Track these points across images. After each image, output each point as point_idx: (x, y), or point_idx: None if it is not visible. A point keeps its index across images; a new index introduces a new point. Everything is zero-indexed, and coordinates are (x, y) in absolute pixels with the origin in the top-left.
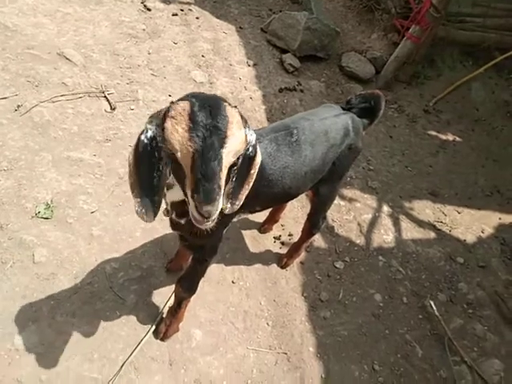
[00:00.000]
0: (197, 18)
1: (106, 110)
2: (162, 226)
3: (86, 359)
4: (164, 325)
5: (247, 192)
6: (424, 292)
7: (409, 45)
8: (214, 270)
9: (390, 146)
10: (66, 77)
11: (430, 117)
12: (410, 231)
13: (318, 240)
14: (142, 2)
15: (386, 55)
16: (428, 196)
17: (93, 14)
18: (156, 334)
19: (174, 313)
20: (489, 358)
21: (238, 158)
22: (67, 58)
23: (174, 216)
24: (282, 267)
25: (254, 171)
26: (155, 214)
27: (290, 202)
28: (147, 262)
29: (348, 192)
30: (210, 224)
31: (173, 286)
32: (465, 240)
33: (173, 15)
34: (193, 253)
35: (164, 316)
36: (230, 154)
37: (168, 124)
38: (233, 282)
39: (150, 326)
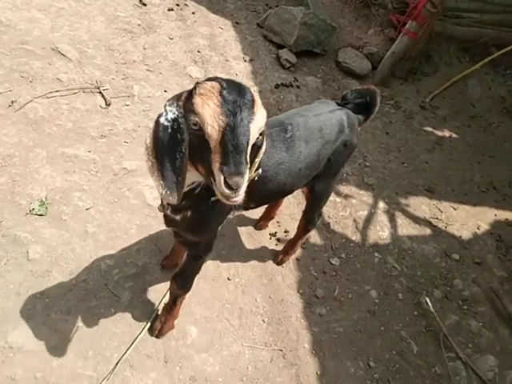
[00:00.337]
0: (193, 13)
1: (101, 106)
2: (156, 222)
3: (80, 357)
4: (159, 322)
5: (249, 181)
6: (419, 288)
7: (405, 40)
8: (210, 266)
9: (387, 143)
10: (60, 72)
11: (426, 113)
12: (406, 228)
13: (313, 236)
14: None
15: (383, 51)
16: (424, 192)
17: (88, 8)
18: (151, 331)
19: (169, 310)
20: (483, 354)
21: (259, 137)
22: (62, 54)
23: (169, 212)
24: (278, 264)
25: (259, 159)
26: (180, 195)
27: (285, 199)
28: (142, 259)
29: (344, 188)
30: (237, 199)
31: (168, 283)
32: (460, 236)
33: (168, 10)
34: (188, 249)
35: (159, 313)
36: (256, 129)
37: (198, 100)
38: (228, 279)
39: (145, 323)
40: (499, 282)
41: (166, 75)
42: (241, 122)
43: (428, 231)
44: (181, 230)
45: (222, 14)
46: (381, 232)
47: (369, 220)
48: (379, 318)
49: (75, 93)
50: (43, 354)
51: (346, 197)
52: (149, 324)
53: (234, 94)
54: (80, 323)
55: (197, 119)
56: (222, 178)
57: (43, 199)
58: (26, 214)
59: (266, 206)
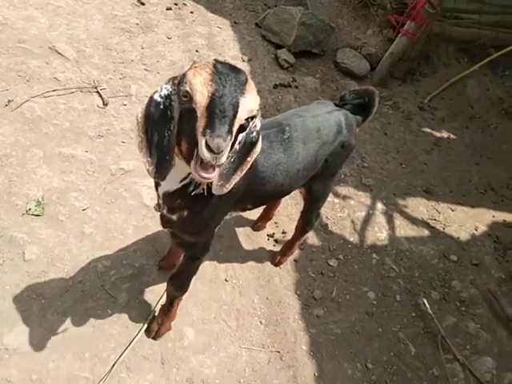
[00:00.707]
0: (191, 12)
1: (98, 106)
2: (154, 223)
3: (77, 358)
4: (156, 323)
5: (238, 179)
6: (417, 290)
7: (404, 41)
8: (207, 267)
9: (385, 143)
10: (57, 71)
11: (424, 114)
12: (404, 229)
13: (311, 237)
14: None
15: (381, 51)
16: (422, 193)
17: (85, 7)
18: (148, 332)
19: (166, 311)
20: (481, 355)
21: (248, 120)
22: (59, 53)
23: (165, 211)
24: (276, 265)
25: (251, 159)
26: (166, 173)
27: (283, 200)
28: (139, 260)
29: (342, 189)
30: (217, 168)
31: (165, 284)
32: (458, 238)
33: (167, 9)
34: (185, 251)
35: (156, 314)
36: (245, 107)
37: (190, 71)
38: (226, 280)
39: (141, 324)
40: (497, 283)
41: (164, 75)
42: (230, 91)
43: (426, 232)
44: (177, 231)
45: (220, 13)
46: (379, 233)
47: (367, 221)
48: (377, 320)
49: (72, 92)
50: (39, 355)
51: (344, 198)
52: (146, 325)
53: (226, 69)
54: (76, 324)
55: (187, 89)
56: (204, 140)
57: (40, 199)
58: (23, 214)
59: (264, 206)
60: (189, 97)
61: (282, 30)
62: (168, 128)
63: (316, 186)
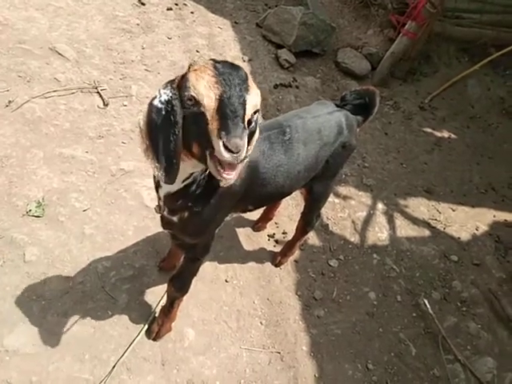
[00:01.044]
0: (191, 12)
1: (98, 106)
2: (154, 224)
3: (77, 360)
4: (156, 324)
5: (241, 168)
6: (418, 290)
7: (405, 41)
8: (208, 268)
9: (385, 143)
10: (58, 72)
11: (425, 114)
12: (405, 229)
13: (312, 238)
14: None
15: (382, 51)
16: (423, 193)
17: (86, 8)
18: (148, 333)
19: (166, 312)
20: (482, 356)
21: (253, 115)
22: (59, 53)
23: (166, 213)
24: (276, 265)
25: (251, 148)
26: (175, 177)
27: (283, 200)
28: (139, 261)
29: (343, 189)
30: (239, 166)
31: (165, 286)
32: (459, 238)
33: (167, 10)
34: (185, 252)
35: (156, 315)
36: (251, 103)
37: (192, 75)
38: (226, 281)
39: (142, 325)
40: (498, 283)
41: (165, 75)
42: (236, 91)
43: (427, 232)
44: (178, 233)
45: (220, 13)
46: (379, 233)
47: (367, 221)
48: (377, 320)
49: (73, 93)
50: (39, 357)
51: (345, 198)
52: (146, 326)
53: (227, 68)
54: (77, 326)
55: (192, 93)
56: (221, 142)
57: (40, 200)
58: (23, 215)
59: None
60: (194, 101)
61: (282, 29)
62: (173, 133)
63: (317, 186)
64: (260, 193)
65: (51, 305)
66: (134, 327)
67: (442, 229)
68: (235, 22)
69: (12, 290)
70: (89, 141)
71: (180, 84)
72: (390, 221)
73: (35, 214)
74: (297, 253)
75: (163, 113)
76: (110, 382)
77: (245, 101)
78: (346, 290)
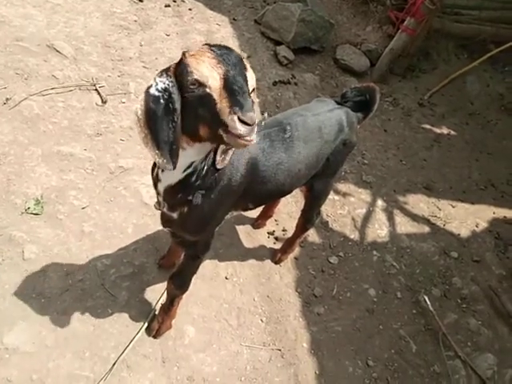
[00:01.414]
0: (190, 9)
1: (96, 104)
2: (153, 221)
3: (77, 357)
4: (156, 322)
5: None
6: (418, 287)
7: (404, 37)
8: (208, 265)
9: (385, 140)
10: (56, 69)
11: (424, 110)
12: (404, 225)
13: (312, 235)
14: None
15: (381, 48)
16: (422, 190)
17: (83, 4)
18: (148, 331)
19: (166, 310)
20: (482, 352)
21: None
22: (57, 50)
23: (166, 209)
24: (276, 263)
25: None
26: (175, 162)
27: (283, 198)
28: (139, 259)
29: (342, 186)
30: (253, 137)
31: (165, 283)
32: (459, 234)
33: (165, 6)
34: (185, 249)
35: (156, 313)
36: (250, 81)
37: (191, 59)
38: (226, 278)
39: (142, 323)
40: (498, 280)
41: None
42: (237, 69)
43: (426, 229)
44: (178, 230)
45: (219, 10)
46: (379, 230)
47: (367, 218)
48: (378, 317)
49: (71, 90)
50: (39, 355)
51: (345, 195)
52: (146, 324)
53: (224, 50)
54: (76, 323)
55: (195, 77)
56: (236, 117)
57: (39, 198)
58: (22, 213)
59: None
60: (198, 84)
61: (281, 26)
62: (172, 119)
63: (317, 184)
64: (260, 191)
65: (51, 302)
66: (134, 325)
67: (442, 225)
68: (233, 19)
69: (11, 287)
70: (87, 138)
71: (176, 71)
72: (390, 218)
73: (34, 212)
74: (297, 250)
75: (161, 101)
76: (110, 379)
77: (246, 77)
78: (346, 286)
